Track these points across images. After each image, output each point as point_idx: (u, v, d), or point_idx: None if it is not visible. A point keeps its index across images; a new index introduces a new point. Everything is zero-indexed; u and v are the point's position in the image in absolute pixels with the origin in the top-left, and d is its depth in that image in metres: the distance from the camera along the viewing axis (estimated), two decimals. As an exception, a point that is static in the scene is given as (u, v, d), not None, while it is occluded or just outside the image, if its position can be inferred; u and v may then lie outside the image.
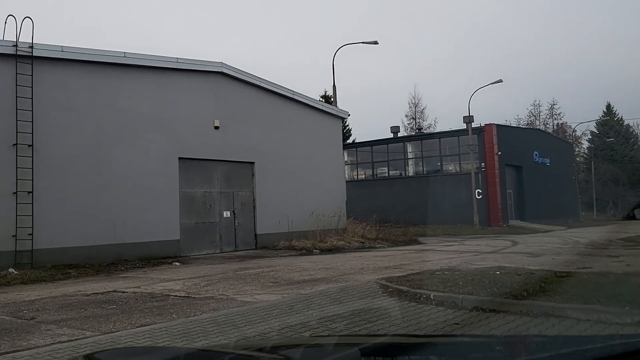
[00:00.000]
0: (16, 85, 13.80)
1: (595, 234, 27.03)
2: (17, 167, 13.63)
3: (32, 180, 13.83)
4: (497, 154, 34.95)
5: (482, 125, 36.02)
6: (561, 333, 5.38)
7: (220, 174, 19.14)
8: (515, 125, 54.02)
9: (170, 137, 17.27)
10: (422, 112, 60.25)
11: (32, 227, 13.65)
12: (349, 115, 24.82)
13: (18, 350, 5.82)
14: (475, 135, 34.25)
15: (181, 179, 17.63)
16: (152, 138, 16.80)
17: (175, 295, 9.18)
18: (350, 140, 43.21)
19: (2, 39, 14.25)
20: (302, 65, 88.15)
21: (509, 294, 6.97)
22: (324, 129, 23.52)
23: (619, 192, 56.62)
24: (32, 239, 13.61)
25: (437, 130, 52.22)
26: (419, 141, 40.23)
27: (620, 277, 8.69)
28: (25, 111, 13.88)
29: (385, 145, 40.09)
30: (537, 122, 64.55)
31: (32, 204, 13.79)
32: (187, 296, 9.08)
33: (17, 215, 13.48)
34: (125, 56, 16.20)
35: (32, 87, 14.03)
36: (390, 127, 43.69)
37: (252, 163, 20.18)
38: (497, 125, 36.52)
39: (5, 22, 15.32)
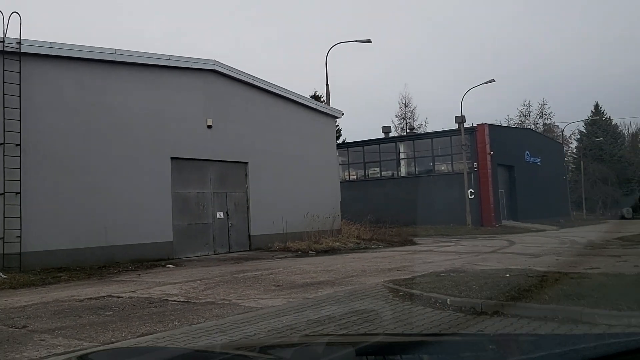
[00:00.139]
0: (3, 82, 13.28)
1: (589, 233, 26.99)
2: (4, 167, 13.12)
3: (20, 180, 13.32)
4: (489, 153, 34.84)
5: (475, 125, 35.90)
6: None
7: (214, 174, 18.71)
8: (506, 125, 54.05)
9: (162, 136, 16.82)
10: (412, 112, 60.08)
11: (21, 229, 13.15)
12: (343, 114, 24.47)
13: (11, 363, 5.40)
14: (467, 135, 34.10)
15: (173, 179, 17.18)
16: (144, 137, 16.34)
17: (174, 301, 8.77)
18: (340, 141, 42.83)
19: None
20: (289, 66, 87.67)
21: (529, 298, 6.66)
22: (318, 129, 23.17)
23: (608, 191, 56.91)
24: (20, 242, 13.11)
25: (428, 130, 52.10)
26: (411, 141, 40.02)
27: (636, 279, 8.45)
28: (12, 109, 13.36)
29: (377, 146, 39.83)
30: (528, 122, 64.72)
31: (20, 205, 13.28)
32: (187, 301, 8.67)
33: (4, 217, 12.97)
34: (116, 53, 15.73)
35: (20, 85, 13.52)
36: (382, 127, 43.43)
37: (246, 163, 19.77)
38: (489, 125, 36.43)
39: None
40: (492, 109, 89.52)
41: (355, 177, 40.98)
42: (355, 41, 28.49)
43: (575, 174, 58.61)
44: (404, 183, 37.33)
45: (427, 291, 7.56)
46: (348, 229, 23.07)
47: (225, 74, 19.17)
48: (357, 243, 20.85)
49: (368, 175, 40.43)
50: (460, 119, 34.11)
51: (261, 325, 6.50)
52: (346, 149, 40.78)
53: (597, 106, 65.76)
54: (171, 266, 14.83)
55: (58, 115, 14.48)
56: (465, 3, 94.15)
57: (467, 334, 4.71)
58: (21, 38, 13.61)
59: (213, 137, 18.45)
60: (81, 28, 77.38)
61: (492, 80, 33.40)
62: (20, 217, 13.19)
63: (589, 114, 64.98)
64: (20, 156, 13.40)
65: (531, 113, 66.19)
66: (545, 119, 65.98)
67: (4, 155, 13.15)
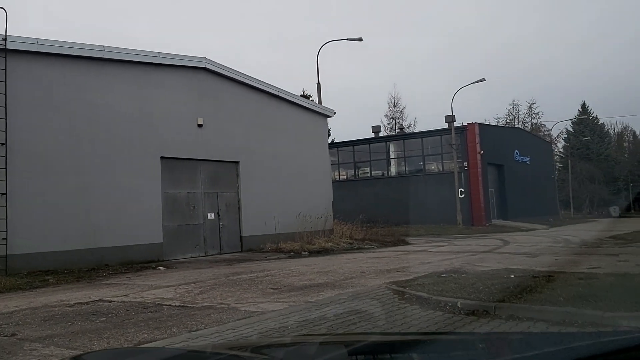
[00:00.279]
0: (-12, 79, 12.86)
1: (580, 231, 27.01)
2: (-11, 167, 12.69)
3: (6, 181, 12.88)
4: (479, 153, 34.77)
5: (465, 124, 35.81)
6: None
7: (204, 174, 18.34)
8: (495, 124, 54.14)
9: (151, 135, 16.44)
10: (401, 112, 60.01)
11: (7, 231, 12.71)
12: (335, 113, 24.19)
13: (1, 375, 5.06)
14: (457, 135, 34.00)
15: (163, 180, 16.79)
16: (133, 136, 15.96)
17: (170, 305, 8.43)
18: (329, 141, 42.51)
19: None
20: (277, 66, 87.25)
21: (543, 300, 6.42)
22: (310, 128, 22.88)
23: (595, 190, 57.23)
24: (6, 244, 12.67)
25: (417, 130, 52.02)
26: (401, 141, 39.86)
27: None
28: (-2, 107, 12.93)
29: (367, 145, 39.61)
30: (516, 121, 64.94)
31: (6, 206, 12.84)
32: (183, 305, 8.33)
33: (-11, 219, 12.55)
34: (104, 50, 15.32)
35: (5, 82, 13.09)
36: (372, 127, 43.22)
37: (237, 163, 19.42)
38: (479, 124, 36.36)
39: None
40: (482, 109, 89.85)
41: (345, 177, 40.72)
42: (347, 39, 28.28)
43: (562, 172, 58.88)
44: (394, 183, 37.16)
45: (435, 294, 7.30)
46: (340, 229, 22.79)
47: (216, 72, 18.82)
48: (350, 243, 20.59)
49: (358, 175, 40.19)
50: (450, 119, 34.00)
51: (265, 331, 6.19)
52: (336, 148, 40.48)
53: (584, 105, 66.26)
54: (162, 268, 14.46)
55: (45, 114, 14.04)
56: (453, 4, 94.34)
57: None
58: (7, 34, 13.17)
59: (204, 136, 18.10)
60: (68, 28, 76.36)
61: (483, 79, 33.34)
62: (6, 218, 12.76)
63: (576, 113, 65.43)
64: (5, 156, 12.96)
65: (520, 112, 66.52)
66: (534, 118, 66.32)
67: (-12, 155, 12.72)
